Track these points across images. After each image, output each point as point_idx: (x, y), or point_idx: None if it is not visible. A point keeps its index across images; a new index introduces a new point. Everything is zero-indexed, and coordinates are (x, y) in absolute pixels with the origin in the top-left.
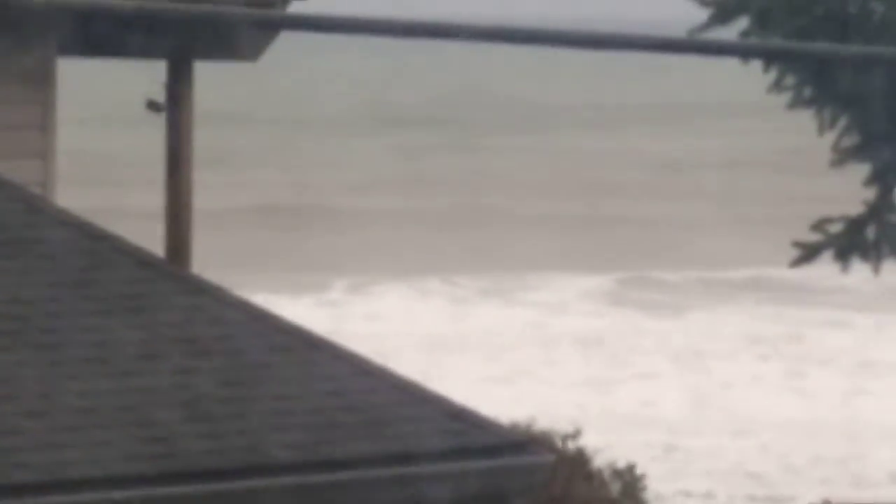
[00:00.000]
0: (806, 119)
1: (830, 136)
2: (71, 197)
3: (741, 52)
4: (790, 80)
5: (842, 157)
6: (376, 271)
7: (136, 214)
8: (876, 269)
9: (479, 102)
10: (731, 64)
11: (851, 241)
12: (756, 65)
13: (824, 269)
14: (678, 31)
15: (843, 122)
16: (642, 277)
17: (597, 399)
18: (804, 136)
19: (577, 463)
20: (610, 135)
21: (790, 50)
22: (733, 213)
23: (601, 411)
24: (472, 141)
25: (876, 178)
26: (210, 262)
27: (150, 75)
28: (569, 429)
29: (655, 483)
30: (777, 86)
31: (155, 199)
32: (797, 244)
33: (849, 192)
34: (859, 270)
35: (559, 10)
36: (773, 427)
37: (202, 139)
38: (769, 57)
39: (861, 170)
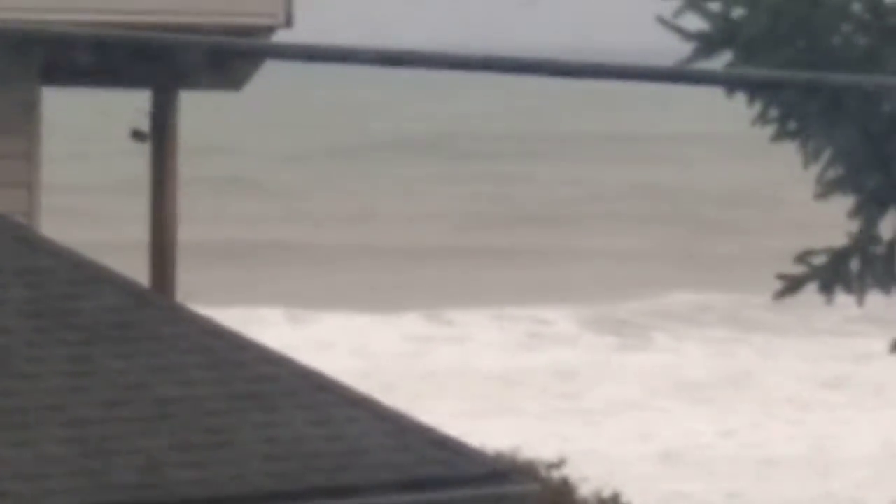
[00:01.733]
0: (793, 150)
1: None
2: (55, 227)
3: (728, 82)
4: (774, 112)
5: (826, 189)
6: (354, 304)
7: (121, 245)
8: (860, 302)
9: (468, 133)
10: (716, 94)
11: (835, 273)
12: (740, 97)
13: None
14: (662, 61)
15: (826, 154)
16: (618, 308)
17: (579, 431)
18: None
19: (562, 492)
20: (589, 164)
21: (774, 80)
22: (721, 242)
23: (584, 443)
24: (458, 171)
25: (860, 210)
26: (195, 292)
27: (135, 105)
28: (553, 458)
29: None
30: (761, 118)
31: (139, 229)
32: (781, 276)
33: (831, 222)
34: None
35: (541, 40)
36: (769, 463)
37: (187, 169)
38: (755, 88)
39: (846, 199)
